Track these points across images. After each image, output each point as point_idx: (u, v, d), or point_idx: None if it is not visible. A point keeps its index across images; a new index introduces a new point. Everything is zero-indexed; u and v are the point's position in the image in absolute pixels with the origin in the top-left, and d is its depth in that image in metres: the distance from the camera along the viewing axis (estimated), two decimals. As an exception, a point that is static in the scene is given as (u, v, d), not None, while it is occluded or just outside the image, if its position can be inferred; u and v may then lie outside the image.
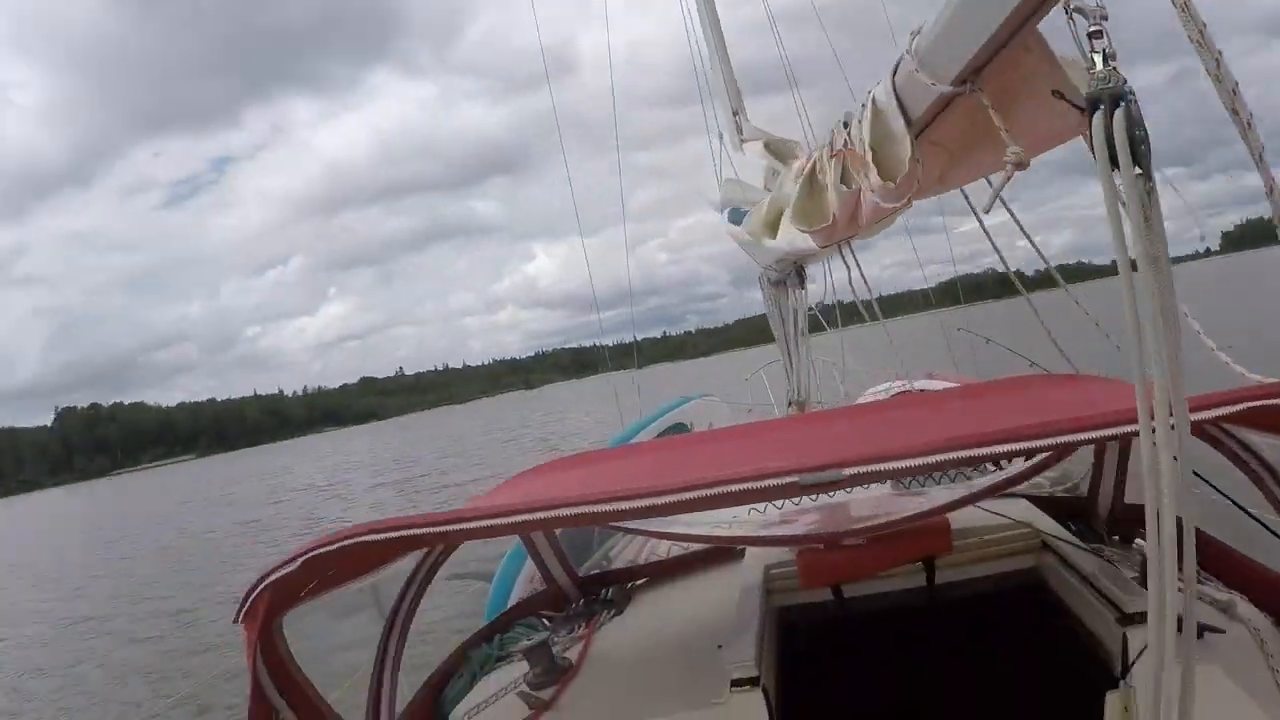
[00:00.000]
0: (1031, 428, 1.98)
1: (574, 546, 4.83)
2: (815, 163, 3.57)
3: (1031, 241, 3.18)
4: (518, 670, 3.44)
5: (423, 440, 78.17)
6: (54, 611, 22.60)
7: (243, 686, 2.39)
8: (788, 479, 1.87)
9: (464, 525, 2.18)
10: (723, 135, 7.93)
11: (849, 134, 3.03)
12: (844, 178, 3.18)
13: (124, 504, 78.65)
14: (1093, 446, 3.78)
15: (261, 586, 2.22)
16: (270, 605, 2.26)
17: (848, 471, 1.86)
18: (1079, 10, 1.53)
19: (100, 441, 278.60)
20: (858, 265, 4.38)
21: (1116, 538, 3.92)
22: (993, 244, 3.44)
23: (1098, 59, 1.50)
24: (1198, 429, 1.96)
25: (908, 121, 2.57)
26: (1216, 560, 3.34)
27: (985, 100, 2.17)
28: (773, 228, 4.89)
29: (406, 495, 32.02)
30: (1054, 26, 1.91)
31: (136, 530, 42.77)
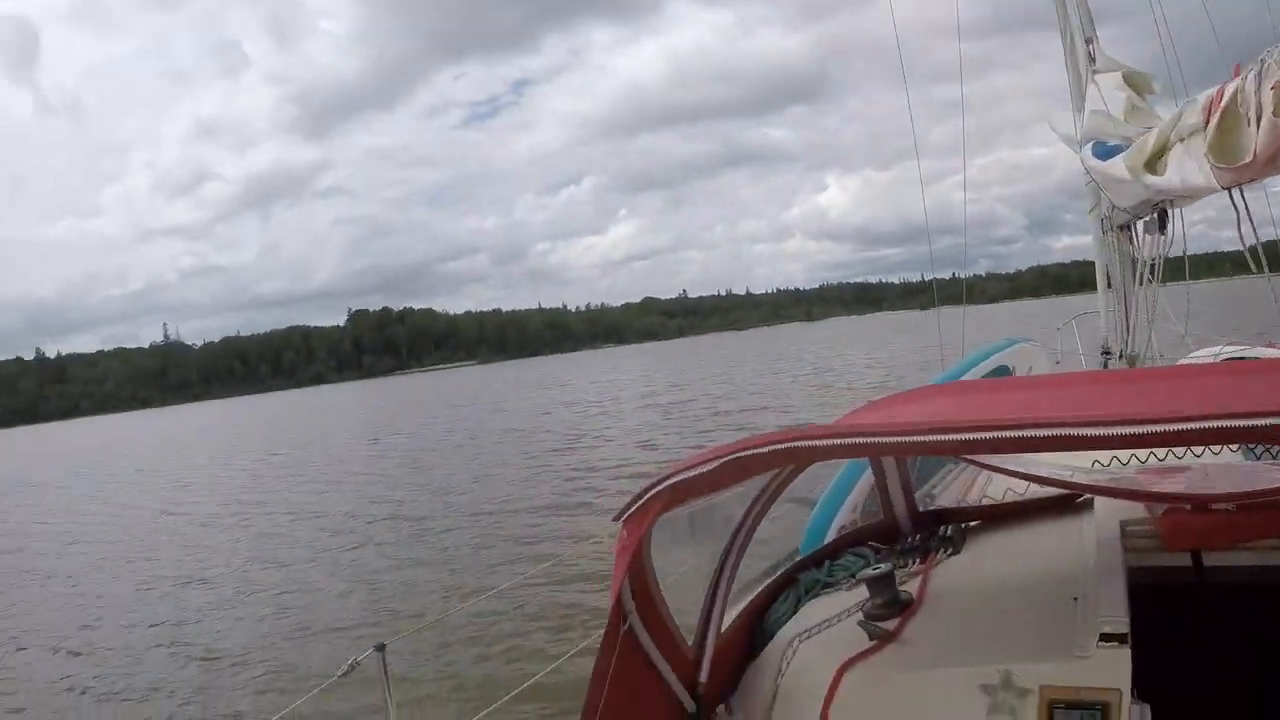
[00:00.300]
0: None
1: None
2: (1237, 94, 3.38)
3: None
4: (849, 598, 3.43)
5: (702, 362, 78.57)
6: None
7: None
8: (1268, 420, 1.70)
9: (891, 439, 2.23)
10: (1093, 59, 7.54)
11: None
12: (1279, 110, 3.00)
13: (400, 398, 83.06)
14: None
15: (664, 485, 2.27)
16: (664, 506, 2.31)
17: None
18: None
19: (388, 342, 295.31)
20: (1248, 210, 4.12)
21: None
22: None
23: None
24: None
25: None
26: None
27: None
28: (1155, 162, 4.65)
29: (673, 419, 32.10)
30: None
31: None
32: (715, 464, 2.20)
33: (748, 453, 2.19)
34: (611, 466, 21.45)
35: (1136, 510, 3.59)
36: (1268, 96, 3.03)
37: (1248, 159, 3.35)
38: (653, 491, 2.29)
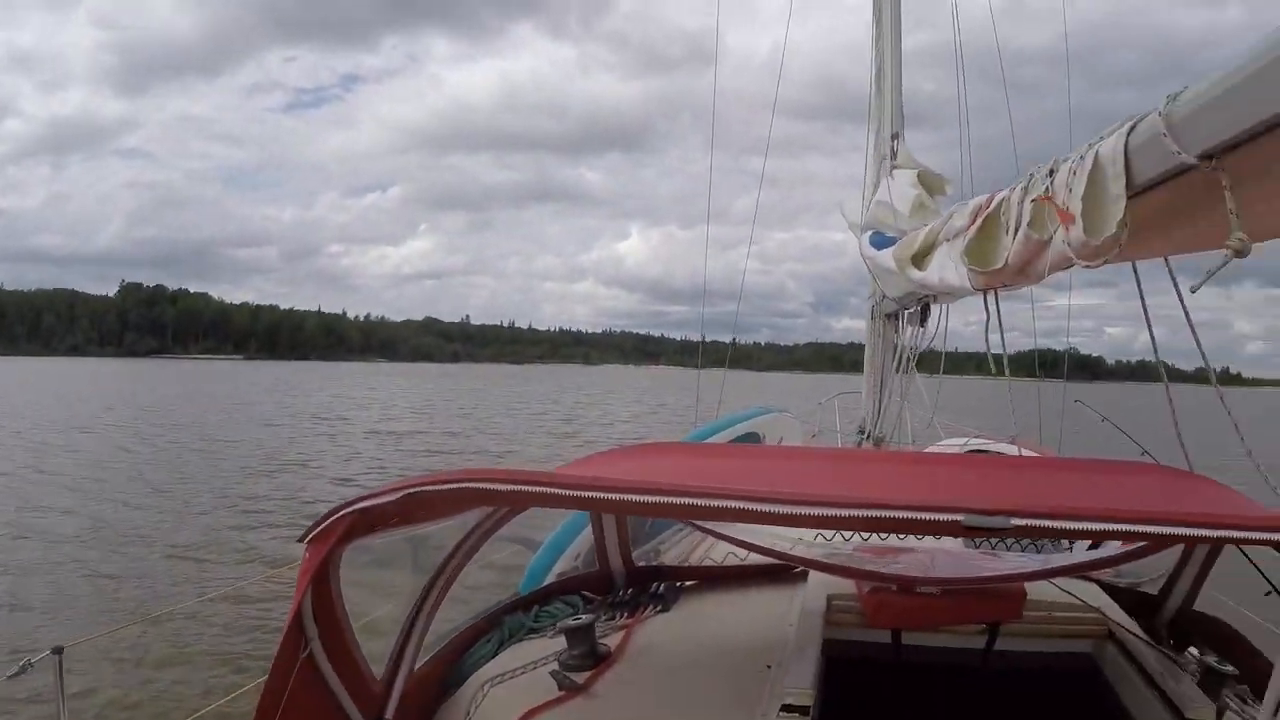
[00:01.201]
0: (1195, 516, 1.94)
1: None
2: (1002, 203, 3.57)
3: (1194, 333, 3.18)
4: (550, 646, 3.41)
5: (462, 392, 77.31)
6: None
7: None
8: (953, 516, 1.85)
9: (580, 493, 2.18)
10: (885, 157, 7.94)
11: (1052, 181, 3.02)
12: (1033, 223, 3.18)
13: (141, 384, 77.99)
14: (1179, 546, 3.78)
15: (348, 510, 2.22)
16: (346, 532, 2.26)
17: (1015, 522, 1.84)
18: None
19: (155, 322, 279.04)
20: (999, 315, 4.37)
21: (1173, 641, 3.91)
22: (1190, 325, 3.36)
23: None
24: None
25: (1128, 183, 2.56)
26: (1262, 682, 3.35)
27: (1224, 180, 2.16)
28: (922, 259, 4.89)
29: (391, 450, 29.56)
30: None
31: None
32: (394, 496, 2.17)
33: (424, 488, 2.17)
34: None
35: (848, 585, 3.69)
36: (1027, 209, 3.20)
37: (999, 265, 3.54)
38: (335, 516, 2.24)
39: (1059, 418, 8.30)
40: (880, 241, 6.20)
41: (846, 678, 3.49)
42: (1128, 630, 3.58)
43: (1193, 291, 2.26)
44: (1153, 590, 4.18)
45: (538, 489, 2.21)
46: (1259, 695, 3.51)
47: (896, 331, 7.77)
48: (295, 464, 24.86)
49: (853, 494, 2.07)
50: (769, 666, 3.12)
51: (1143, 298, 3.36)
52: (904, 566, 3.64)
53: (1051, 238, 3.01)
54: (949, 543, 4.48)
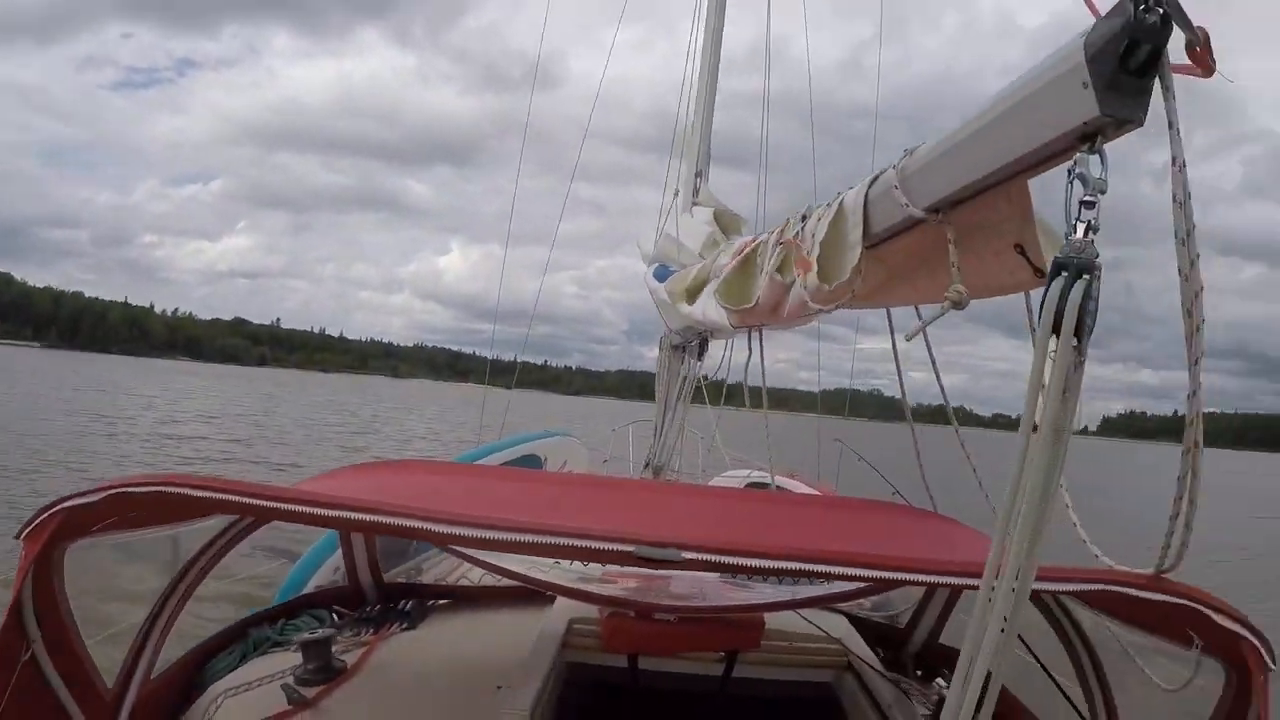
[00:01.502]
0: (878, 559, 2.11)
1: (388, 549, 4.79)
2: (759, 245, 3.60)
3: (939, 379, 3.25)
4: (291, 659, 3.36)
5: (261, 397, 74.43)
6: None
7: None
8: (623, 547, 1.93)
9: (282, 505, 2.17)
10: (679, 192, 8.00)
11: (803, 227, 3.06)
12: (782, 267, 3.21)
13: None
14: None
15: (55, 509, 2.15)
16: (57, 531, 2.17)
17: (685, 555, 1.92)
18: (1080, 177, 1.56)
19: None
20: (761, 354, 4.43)
21: (920, 673, 4.06)
22: (898, 370, 3.49)
23: (1080, 228, 1.53)
24: (1035, 595, 2.09)
25: (866, 232, 2.59)
26: (1011, 714, 3.49)
27: (950, 234, 2.20)
28: (693, 294, 4.92)
29: (177, 459, 27.70)
30: (1043, 182, 1.96)
31: None
32: (98, 496, 2.09)
33: (126, 489, 2.10)
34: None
35: (592, 610, 3.70)
36: (776, 252, 3.23)
37: (749, 305, 3.57)
38: (47, 513, 2.14)
39: (855, 455, 8.58)
40: (663, 274, 6.24)
41: (583, 701, 3.54)
42: (865, 662, 3.67)
43: (907, 340, 2.32)
44: (903, 623, 4.32)
45: (238, 499, 2.13)
46: None
47: (683, 363, 7.82)
48: (61, 465, 23.27)
49: (540, 520, 2.13)
50: (499, 687, 3.12)
51: (894, 342, 3.42)
52: (642, 591, 3.68)
53: (795, 281, 3.03)
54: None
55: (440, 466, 4.29)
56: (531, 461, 9.21)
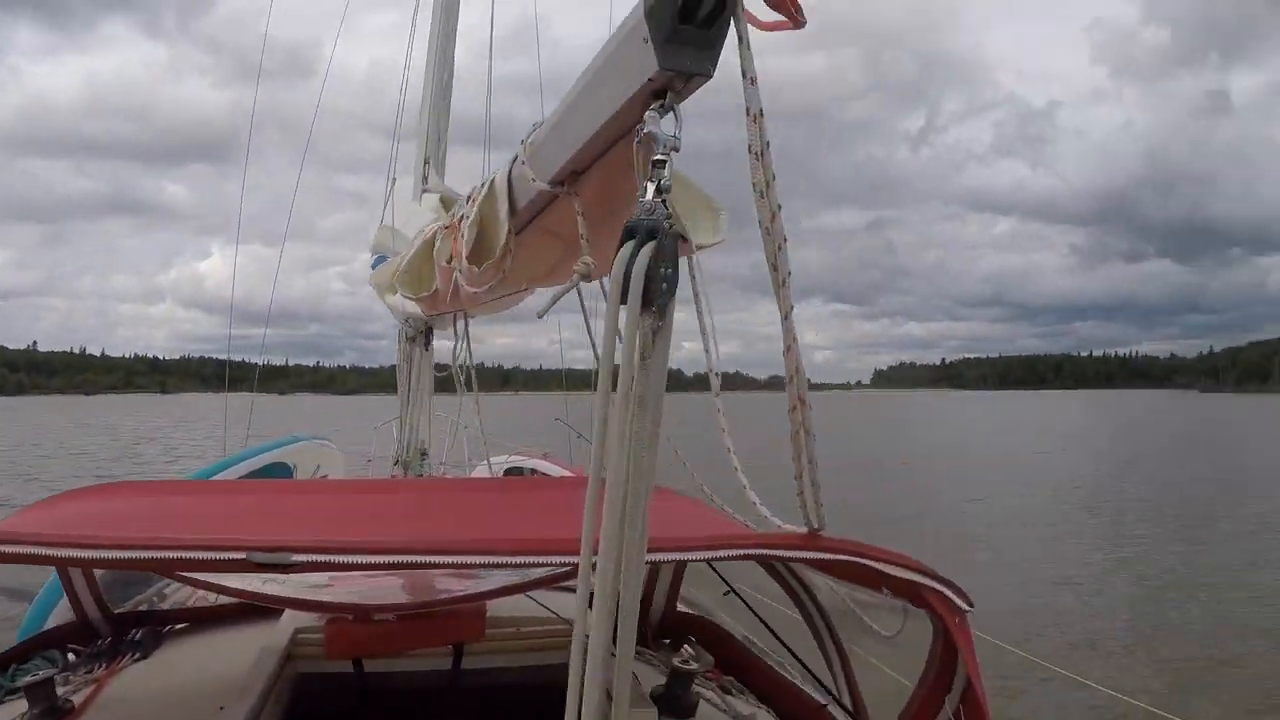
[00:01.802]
0: (529, 543, 2.11)
1: (128, 576, 4.60)
2: (436, 231, 3.50)
3: (594, 346, 3.21)
4: (22, 706, 3.15)
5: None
6: None
7: None
8: (235, 555, 1.88)
9: None
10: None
11: (466, 210, 2.96)
12: (442, 251, 3.13)
13: None
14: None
15: None
16: None
17: (294, 558, 1.87)
18: (650, 136, 1.50)
19: None
20: (467, 339, 4.33)
21: (667, 641, 4.08)
22: (592, 345, 3.46)
23: (650, 188, 1.47)
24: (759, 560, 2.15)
25: (512, 211, 2.52)
26: (750, 674, 3.65)
27: (577, 205, 2.14)
28: (394, 286, 4.79)
29: None
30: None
31: None
32: None
33: None
34: None
35: (316, 618, 3.63)
36: (443, 236, 3.14)
37: (429, 293, 3.46)
38: None
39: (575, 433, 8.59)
40: (380, 264, 6.05)
41: (313, 710, 3.47)
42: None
43: (540, 316, 2.23)
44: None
45: None
46: (745, 683, 3.73)
47: (423, 352, 7.66)
48: None
49: (181, 535, 2.08)
50: (222, 708, 3.02)
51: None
52: (361, 593, 3.61)
53: (455, 265, 2.94)
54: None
55: (154, 486, 4.14)
56: (280, 469, 8.86)
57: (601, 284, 2.16)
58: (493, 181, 2.66)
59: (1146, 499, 26.43)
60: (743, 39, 1.46)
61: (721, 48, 1.48)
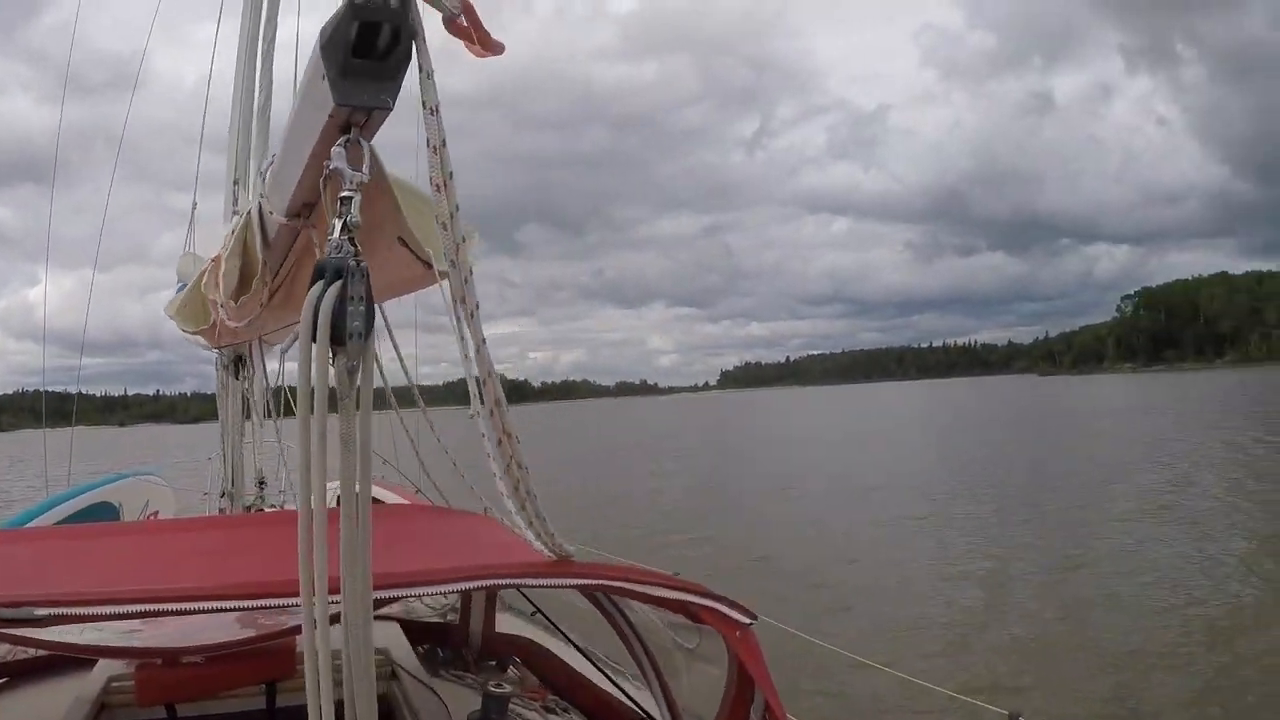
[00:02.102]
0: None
1: None
2: (209, 265, 3.41)
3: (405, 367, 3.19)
4: None
5: None
6: None
7: None
8: None
9: None
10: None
11: (227, 243, 2.89)
12: (208, 284, 3.06)
13: None
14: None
15: None
16: None
17: (38, 612, 1.73)
18: (336, 173, 1.48)
19: None
20: (264, 367, 4.24)
21: (493, 664, 4.06)
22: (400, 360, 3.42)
23: (338, 225, 1.46)
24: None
25: (265, 244, 2.47)
26: (576, 692, 3.72)
27: (314, 238, 2.10)
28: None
29: None
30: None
31: None
32: None
33: None
34: None
35: (129, 665, 3.55)
36: (211, 269, 3.07)
37: (207, 326, 3.38)
38: None
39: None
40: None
41: None
42: (406, 669, 3.66)
43: (284, 353, 2.19)
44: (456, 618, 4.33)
45: None
46: (573, 702, 3.73)
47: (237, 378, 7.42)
48: None
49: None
50: None
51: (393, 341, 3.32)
52: (169, 637, 3.49)
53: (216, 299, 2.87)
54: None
55: None
56: (104, 509, 8.44)
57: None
58: (249, 213, 2.60)
59: (988, 480, 27.25)
60: (423, 69, 1.45)
61: (402, 80, 1.47)
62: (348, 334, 1.40)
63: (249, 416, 7.49)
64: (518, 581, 2.13)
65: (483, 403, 1.65)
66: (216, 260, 2.95)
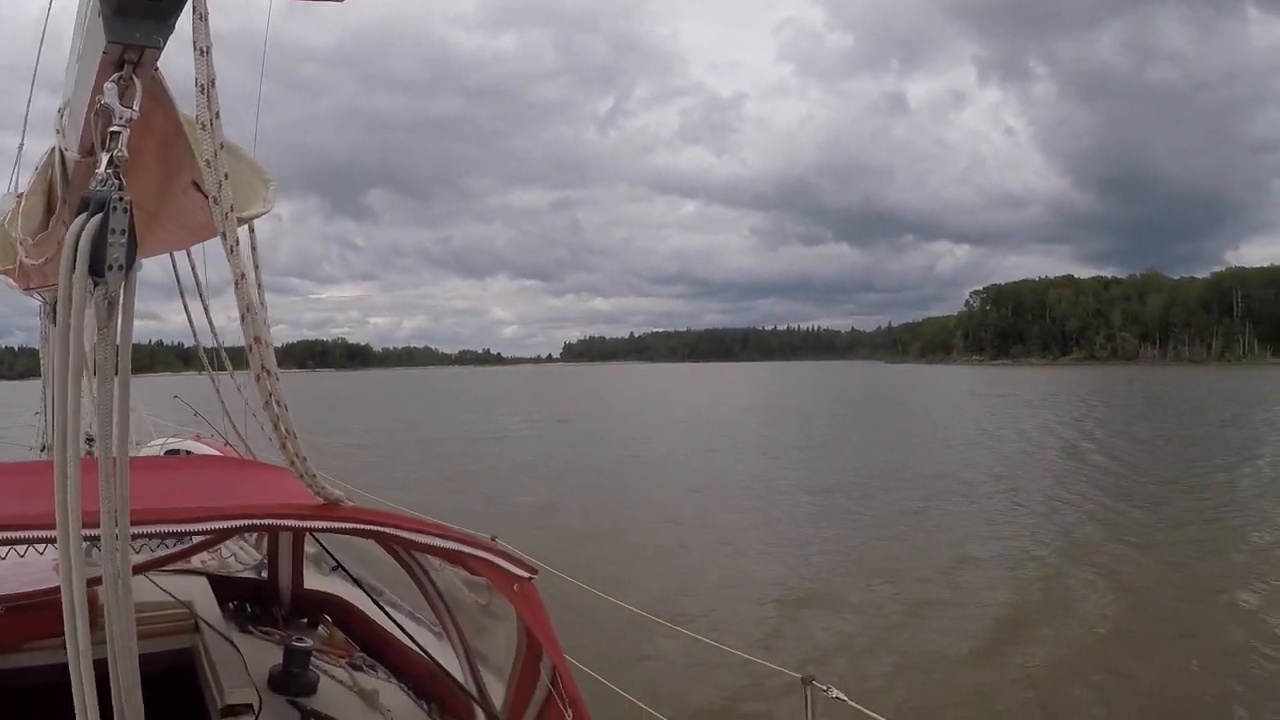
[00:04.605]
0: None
1: None
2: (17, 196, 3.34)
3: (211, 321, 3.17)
4: None
5: None
6: None
7: None
8: None
9: None
10: (23, 145, 7.24)
11: (32, 182, 2.83)
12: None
13: None
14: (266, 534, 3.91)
15: None
16: None
17: None
18: (106, 109, 1.50)
19: None
20: (68, 311, 4.14)
21: (305, 621, 4.05)
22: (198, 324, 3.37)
23: (104, 159, 1.49)
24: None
25: (65, 182, 2.44)
26: (385, 649, 3.75)
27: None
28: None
29: None
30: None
31: None
32: None
33: None
34: None
35: None
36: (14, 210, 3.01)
37: (12, 266, 3.31)
38: None
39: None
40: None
41: None
42: (209, 623, 3.65)
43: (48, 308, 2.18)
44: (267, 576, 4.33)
45: None
46: (381, 659, 3.76)
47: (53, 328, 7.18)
48: None
49: None
50: None
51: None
52: None
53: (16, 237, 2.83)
54: (52, 553, 4.32)
55: None
56: None
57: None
58: (51, 151, 2.57)
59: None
60: (197, 10, 1.49)
61: (176, 20, 1.50)
62: (107, 265, 1.42)
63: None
64: (276, 522, 2.16)
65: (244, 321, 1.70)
66: (21, 198, 2.90)
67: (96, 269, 1.42)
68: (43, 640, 3.39)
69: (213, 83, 1.52)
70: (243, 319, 1.66)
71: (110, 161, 1.47)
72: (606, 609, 4.73)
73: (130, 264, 1.45)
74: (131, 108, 1.50)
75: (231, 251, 1.62)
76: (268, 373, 1.71)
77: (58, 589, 3.48)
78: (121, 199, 1.44)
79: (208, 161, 1.55)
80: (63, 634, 3.46)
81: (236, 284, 1.64)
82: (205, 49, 1.50)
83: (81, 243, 1.40)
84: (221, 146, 1.55)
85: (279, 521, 2.17)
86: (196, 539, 3.84)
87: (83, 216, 1.43)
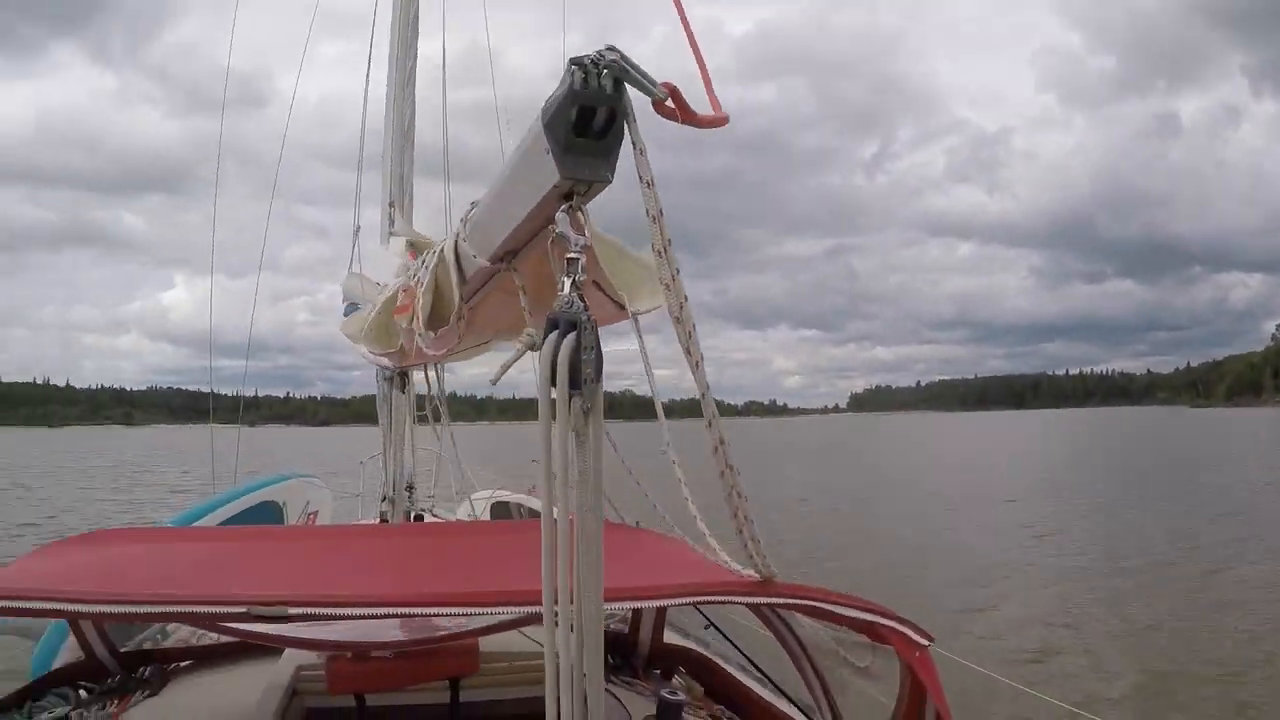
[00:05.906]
0: (464, 597, 2.34)
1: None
2: (398, 291, 3.65)
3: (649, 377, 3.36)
4: None
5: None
6: None
7: None
8: (236, 609, 2.04)
9: None
10: (359, 229, 7.83)
11: (422, 276, 3.11)
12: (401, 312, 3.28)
13: None
14: None
15: None
16: None
17: (293, 611, 2.03)
18: (562, 238, 1.66)
19: None
20: (440, 383, 4.49)
21: (658, 672, 4.22)
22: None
23: (567, 283, 1.64)
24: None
25: (462, 280, 2.67)
26: (739, 702, 3.84)
27: (517, 280, 2.30)
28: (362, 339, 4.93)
29: None
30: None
31: None
32: None
33: None
34: None
35: (318, 655, 3.77)
36: (401, 299, 3.30)
37: (394, 349, 3.62)
38: None
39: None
40: (350, 311, 6.16)
41: None
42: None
43: (492, 384, 2.38)
44: (625, 628, 4.50)
45: None
46: (736, 711, 3.88)
47: (399, 393, 7.73)
48: None
49: (194, 590, 2.29)
50: None
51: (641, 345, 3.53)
52: (359, 631, 3.71)
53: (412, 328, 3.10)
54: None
55: (148, 534, 4.21)
56: (269, 509, 8.88)
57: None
58: (441, 252, 2.81)
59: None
60: (636, 146, 1.63)
61: (618, 155, 1.65)
62: (583, 379, 1.59)
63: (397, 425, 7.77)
64: (732, 599, 2.28)
65: (710, 427, 1.83)
66: (409, 292, 3.18)
67: (574, 381, 1.58)
68: (423, 684, 3.69)
69: (661, 213, 1.67)
70: (702, 398, 1.81)
71: (573, 285, 1.63)
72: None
73: (599, 375, 1.61)
74: (584, 236, 1.67)
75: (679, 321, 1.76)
76: (722, 442, 1.84)
77: (438, 639, 3.78)
78: (589, 319, 1.60)
79: (666, 286, 1.70)
80: (441, 679, 3.78)
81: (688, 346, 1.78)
82: (650, 181, 1.65)
83: (560, 359, 1.56)
84: (678, 271, 1.70)
85: (734, 599, 2.30)
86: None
87: (555, 335, 1.59)
